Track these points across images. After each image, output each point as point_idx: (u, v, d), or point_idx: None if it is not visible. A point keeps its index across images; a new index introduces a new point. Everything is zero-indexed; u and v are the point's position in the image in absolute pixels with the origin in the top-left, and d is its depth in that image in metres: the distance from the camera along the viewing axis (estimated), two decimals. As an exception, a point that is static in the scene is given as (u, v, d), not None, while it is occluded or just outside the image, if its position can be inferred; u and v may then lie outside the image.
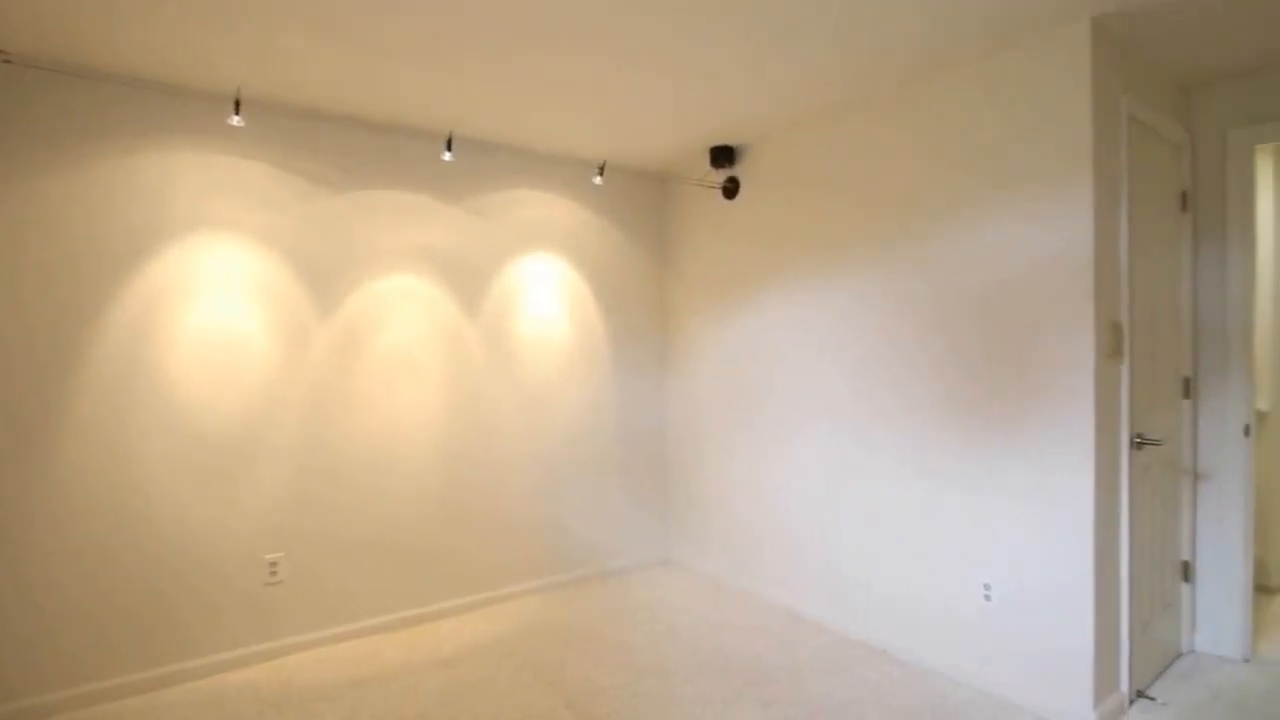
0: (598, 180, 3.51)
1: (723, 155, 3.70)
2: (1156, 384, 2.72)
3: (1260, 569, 3.64)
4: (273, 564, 3.04)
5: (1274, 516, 3.66)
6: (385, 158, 3.33)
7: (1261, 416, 3.68)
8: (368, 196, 3.28)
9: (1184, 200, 2.91)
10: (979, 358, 2.63)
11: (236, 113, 2.67)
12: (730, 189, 3.78)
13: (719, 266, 3.90)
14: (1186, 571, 2.94)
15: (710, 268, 3.97)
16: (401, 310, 3.39)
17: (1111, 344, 2.41)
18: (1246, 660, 2.85)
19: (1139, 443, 2.52)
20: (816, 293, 3.30)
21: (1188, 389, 2.93)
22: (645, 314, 4.28)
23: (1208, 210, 2.93)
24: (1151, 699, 2.54)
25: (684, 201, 4.17)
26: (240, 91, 2.84)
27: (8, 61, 2.51)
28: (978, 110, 2.63)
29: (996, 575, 2.58)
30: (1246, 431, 2.85)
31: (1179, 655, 2.91)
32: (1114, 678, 2.45)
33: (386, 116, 3.18)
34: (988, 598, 2.61)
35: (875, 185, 3.03)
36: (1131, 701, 2.51)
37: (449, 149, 3.15)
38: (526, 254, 3.79)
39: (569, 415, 3.94)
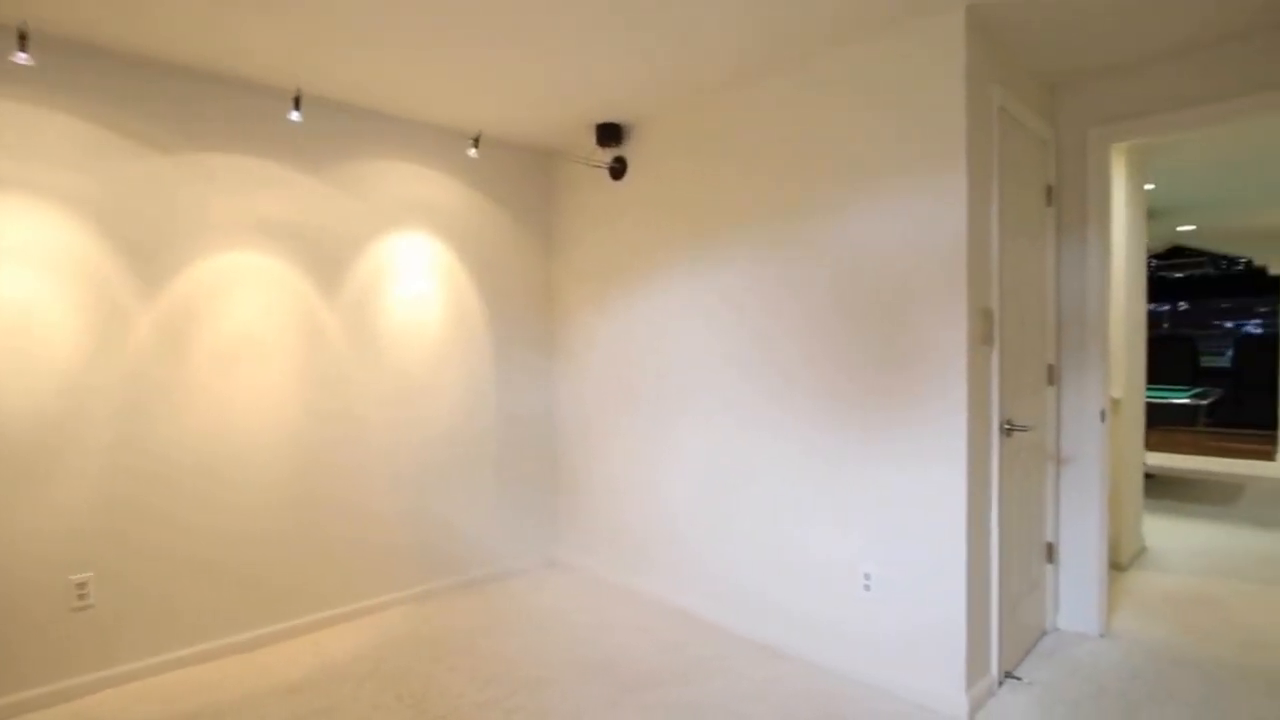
0: (472, 153, 3.26)
1: (609, 134, 3.53)
2: (1023, 371, 2.79)
3: (1112, 547, 3.87)
4: (80, 585, 2.61)
5: (1122, 498, 3.90)
6: (225, 116, 2.93)
7: (1115, 403, 3.91)
8: (203, 160, 2.88)
9: (1049, 194, 3.01)
10: (865, 344, 2.60)
11: (22, 48, 2.24)
12: (617, 169, 3.62)
13: (608, 250, 3.74)
14: (1050, 553, 3.05)
15: (599, 251, 3.79)
16: (246, 291, 3.01)
17: (983, 331, 2.43)
18: (1102, 636, 2.99)
19: (1008, 429, 2.56)
20: (706, 277, 3.20)
21: (1051, 376, 3.04)
22: (530, 299, 4.05)
23: (1069, 205, 3.04)
24: (1018, 679, 2.60)
25: (572, 181, 3.98)
26: (26, 22, 2.39)
27: None
28: (861, 93, 2.59)
29: (876, 564, 2.56)
30: (1103, 417, 2.98)
31: (1043, 634, 3.01)
32: (985, 661, 2.48)
33: (225, 68, 2.79)
34: (868, 587, 2.58)
35: (762, 169, 2.95)
36: (1001, 683, 2.55)
37: (297, 108, 2.81)
38: (396, 232, 3.47)
39: (445, 409, 3.66)
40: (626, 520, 3.66)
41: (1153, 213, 6.48)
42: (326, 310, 3.25)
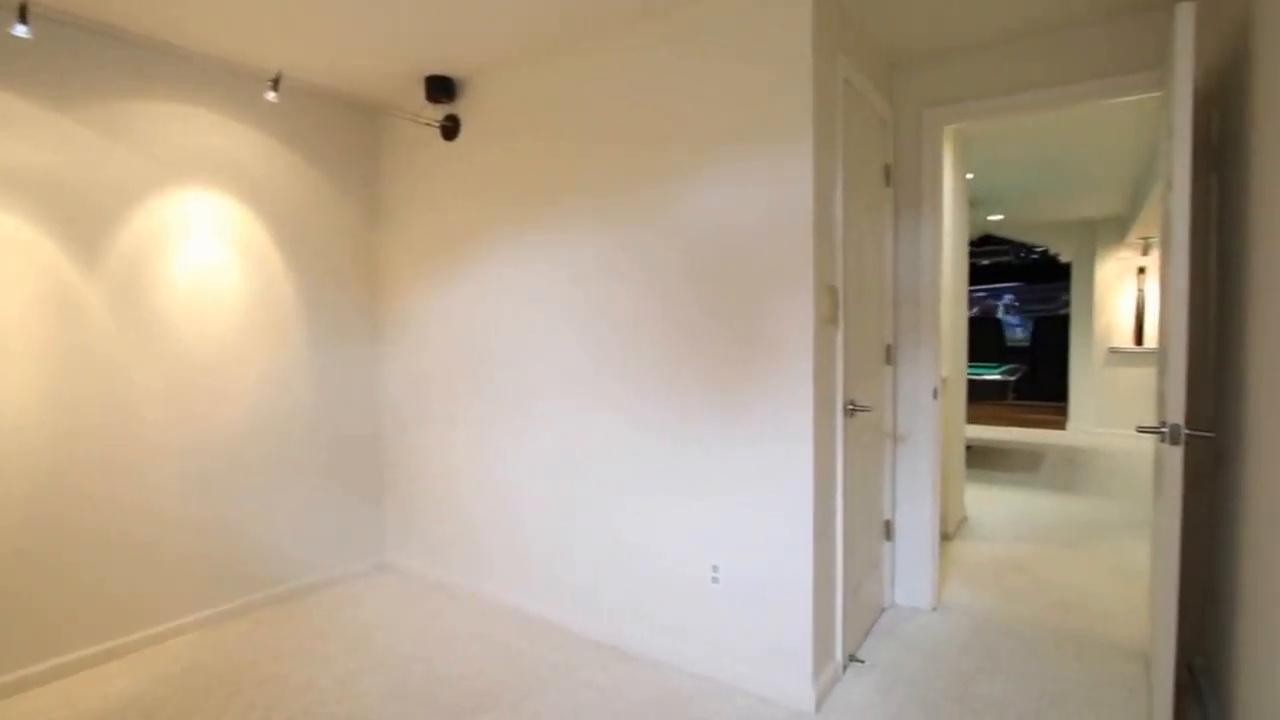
0: (271, 96, 2.74)
1: (440, 88, 3.14)
2: (865, 351, 2.78)
3: (940, 519, 4.08)
4: None
5: (949, 471, 4.13)
6: (-91, 28, 2.24)
7: (943, 381, 4.11)
8: (-125, 83, 2.19)
9: (887, 174, 3.02)
10: (714, 322, 2.45)
11: None
12: (450, 128, 3.24)
13: (443, 219, 3.35)
14: (888, 530, 3.10)
15: (433, 220, 3.40)
16: (-48, 258, 2.34)
17: (829, 310, 2.36)
18: (935, 609, 3.09)
19: (851, 409, 2.53)
20: (552, 251, 2.92)
21: (889, 356, 3.08)
22: (354, 272, 3.57)
23: (905, 186, 3.07)
24: (861, 661, 2.60)
25: (401, 141, 3.53)
26: None
27: None
28: (710, 53, 2.41)
29: (724, 555, 2.44)
30: (935, 395, 3.06)
31: (882, 610, 3.07)
32: (830, 647, 2.44)
33: (-100, -38, 2.12)
34: (716, 580, 2.46)
35: (609, 133, 2.71)
36: (845, 667, 2.53)
37: (23, 20, 2.19)
38: (180, 190, 2.89)
39: (246, 397, 3.13)
40: (466, 515, 3.33)
41: (970, 202, 7.01)
42: (84, 282, 2.63)
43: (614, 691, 2.43)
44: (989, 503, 5.03)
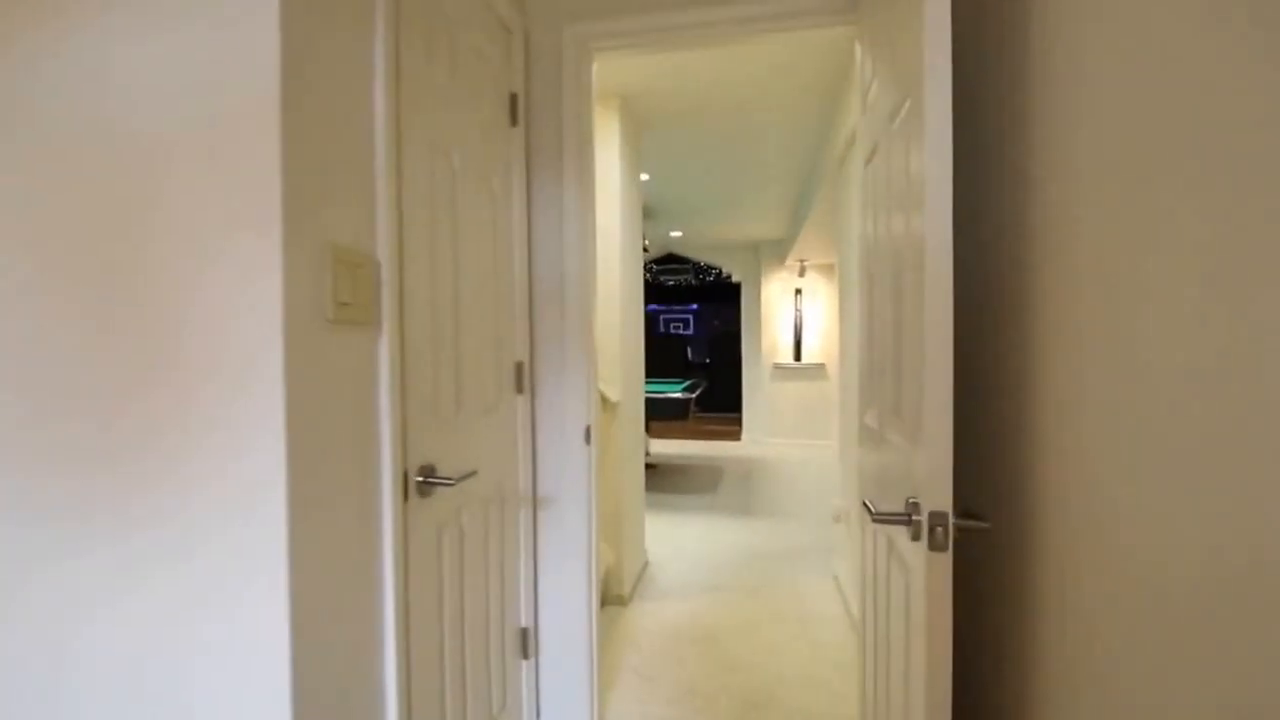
0: None
1: None
2: (464, 375, 1.71)
3: (614, 580, 3.24)
4: None
5: (624, 518, 3.30)
6: None
7: (614, 406, 3.28)
8: None
9: (514, 107, 2.02)
10: (91, 324, 1.13)
11: None
12: None
13: None
14: (526, 643, 2.06)
15: None
16: None
17: (339, 296, 1.21)
18: (592, 749, 2.14)
19: (426, 484, 1.42)
20: None
21: (522, 380, 2.06)
22: None
23: (543, 133, 2.11)
24: None
25: None
26: None
27: None
28: None
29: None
30: (588, 437, 2.12)
31: (518, 767, 2.02)
32: None
33: None
34: None
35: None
36: None
37: None
38: None
39: None
40: None
41: (648, 212, 6.61)
42: None
43: None
44: (671, 538, 4.40)
